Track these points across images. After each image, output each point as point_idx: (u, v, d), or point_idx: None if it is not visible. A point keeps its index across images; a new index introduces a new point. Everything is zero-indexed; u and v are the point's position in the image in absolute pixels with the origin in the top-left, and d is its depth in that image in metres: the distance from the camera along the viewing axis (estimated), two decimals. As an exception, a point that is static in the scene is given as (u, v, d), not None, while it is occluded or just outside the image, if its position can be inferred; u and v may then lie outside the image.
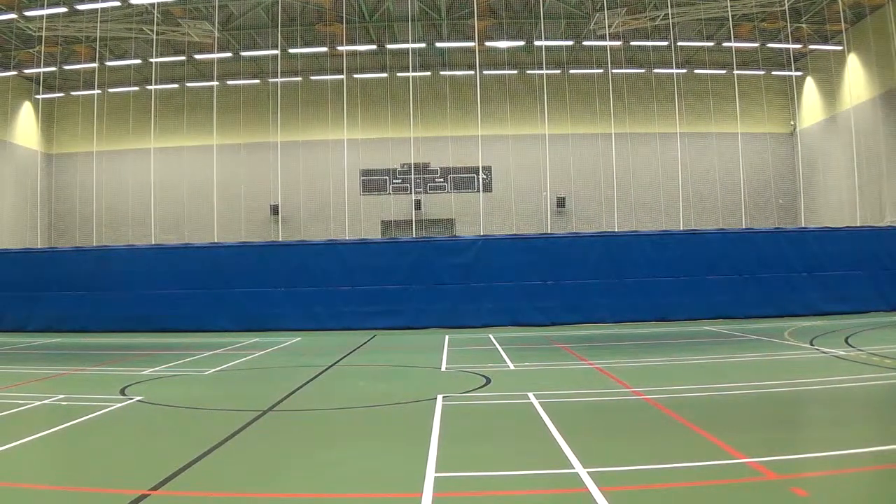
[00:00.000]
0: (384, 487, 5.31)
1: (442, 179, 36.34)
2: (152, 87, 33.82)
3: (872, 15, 29.77)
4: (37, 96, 35.85)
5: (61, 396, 9.37)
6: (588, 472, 5.35)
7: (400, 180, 36.24)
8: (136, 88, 35.27)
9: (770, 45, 33.56)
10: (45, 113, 36.45)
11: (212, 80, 33.87)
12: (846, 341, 13.85)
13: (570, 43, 33.50)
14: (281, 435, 7.20)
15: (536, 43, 32.28)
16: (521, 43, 33.60)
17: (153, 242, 30.33)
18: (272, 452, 6.37)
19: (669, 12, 28.70)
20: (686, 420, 7.22)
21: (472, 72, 33.08)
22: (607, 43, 31.38)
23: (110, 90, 34.36)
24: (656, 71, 35.08)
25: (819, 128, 34.62)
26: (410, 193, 35.99)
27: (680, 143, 34.21)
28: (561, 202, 35.65)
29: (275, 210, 35.17)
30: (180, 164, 36.13)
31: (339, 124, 33.94)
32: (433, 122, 35.84)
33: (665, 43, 32.52)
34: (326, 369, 12.14)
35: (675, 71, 33.10)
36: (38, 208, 34.10)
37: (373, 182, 36.37)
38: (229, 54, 33.55)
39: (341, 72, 32.80)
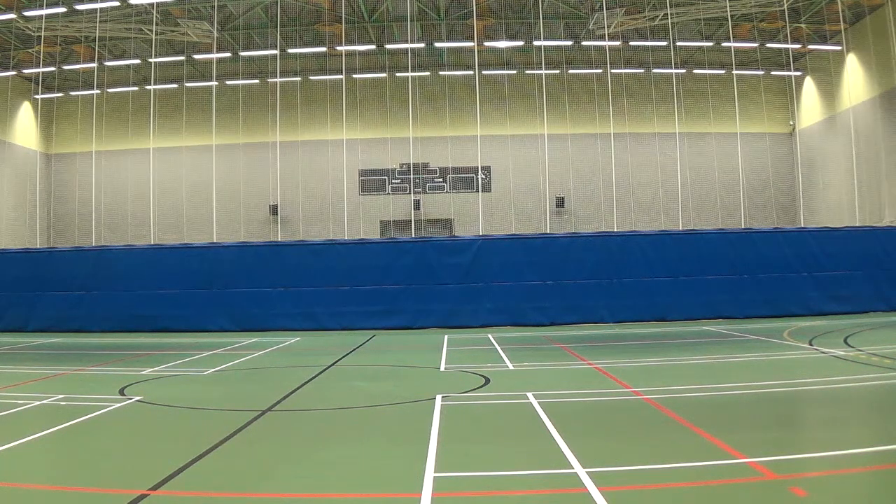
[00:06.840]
0: (384, 487, 5.31)
1: (441, 179, 36.35)
2: (151, 87, 33.82)
3: (871, 15, 29.79)
4: (36, 96, 35.83)
5: (61, 396, 9.37)
6: (587, 472, 5.36)
7: (399, 180, 36.24)
8: (136, 88, 35.26)
9: (769, 45, 33.57)
10: (45, 113, 36.43)
11: (211, 80, 33.88)
12: (845, 341, 13.86)
13: (570, 43, 33.50)
14: (280, 435, 7.20)
15: (535, 43, 32.30)
16: (521, 43, 33.60)
17: (152, 242, 30.35)
18: (272, 452, 6.37)
19: (668, 12, 28.70)
20: (685, 420, 7.22)
21: (471, 72, 33.07)
22: (606, 43, 31.39)
23: (109, 90, 34.36)
24: (655, 71, 35.09)
25: (818, 128, 34.63)
26: (409, 193, 35.99)
27: (679, 143, 34.25)
28: (560, 202, 35.66)
29: (274, 210, 35.18)
30: (179, 164, 36.11)
31: (338, 124, 33.97)
32: (432, 122, 35.85)
33: (664, 43, 32.53)
34: (326, 369, 12.13)
35: (674, 71, 33.12)
36: (37, 208, 34.10)
37: (372, 182, 36.37)
38: (228, 54, 33.54)
39: (340, 72, 32.83)
